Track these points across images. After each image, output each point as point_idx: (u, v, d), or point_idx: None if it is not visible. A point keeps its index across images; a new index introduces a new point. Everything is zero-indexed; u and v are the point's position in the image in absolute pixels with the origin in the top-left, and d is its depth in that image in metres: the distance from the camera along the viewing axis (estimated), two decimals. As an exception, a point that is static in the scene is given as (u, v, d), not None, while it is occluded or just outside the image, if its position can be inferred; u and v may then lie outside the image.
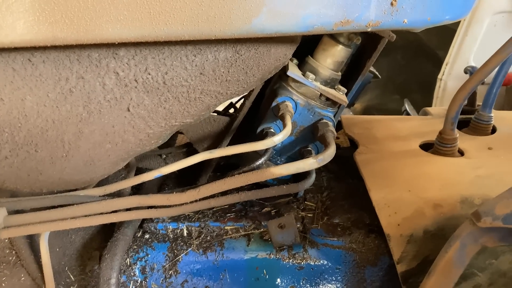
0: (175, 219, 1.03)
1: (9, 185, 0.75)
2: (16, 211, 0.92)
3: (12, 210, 0.90)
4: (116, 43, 0.63)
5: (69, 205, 0.92)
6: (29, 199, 0.91)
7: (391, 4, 0.66)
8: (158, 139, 0.79)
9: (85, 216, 0.91)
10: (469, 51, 2.28)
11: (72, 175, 0.77)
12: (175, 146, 1.38)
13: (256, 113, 1.13)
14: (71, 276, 0.99)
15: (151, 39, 0.62)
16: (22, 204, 0.91)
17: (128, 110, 0.71)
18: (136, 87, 0.69)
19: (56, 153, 0.72)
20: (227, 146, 1.09)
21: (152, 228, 1.02)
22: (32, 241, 0.98)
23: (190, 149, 1.32)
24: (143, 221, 1.03)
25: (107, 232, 1.02)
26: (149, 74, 0.69)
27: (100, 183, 0.97)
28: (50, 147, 0.71)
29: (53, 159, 0.73)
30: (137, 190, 1.13)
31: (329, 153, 0.85)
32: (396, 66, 2.96)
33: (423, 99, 2.61)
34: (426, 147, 1.19)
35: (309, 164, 0.84)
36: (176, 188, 1.14)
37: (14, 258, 0.98)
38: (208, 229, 1.01)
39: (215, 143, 1.16)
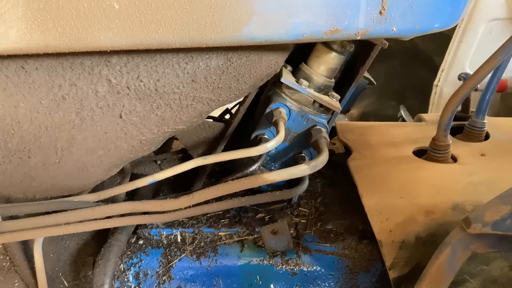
0: (169, 225, 1.03)
1: (2, 191, 0.75)
2: (10, 217, 0.92)
3: (6, 215, 0.91)
4: (108, 51, 0.64)
5: (64, 211, 0.92)
6: (23, 204, 0.91)
7: (380, 12, 0.67)
8: (150, 146, 0.79)
9: (79, 222, 0.91)
10: (465, 58, 2.30)
11: (65, 181, 0.78)
12: (171, 152, 1.38)
13: (251, 119, 1.13)
14: (65, 282, 1.00)
15: (143, 47, 0.63)
16: (16, 209, 0.91)
17: (121, 117, 0.72)
18: (128, 94, 0.70)
19: (49, 160, 0.73)
20: (221, 152, 1.10)
21: (146, 234, 1.02)
22: (26, 247, 0.98)
23: (185, 155, 1.32)
24: (137, 227, 1.04)
25: (101, 238, 1.03)
26: (141, 81, 0.70)
27: (95, 189, 0.97)
28: (43, 154, 0.72)
29: (46, 165, 0.73)
30: (132, 196, 1.14)
31: (322, 159, 0.86)
32: (393, 72, 2.98)
33: (419, 105, 2.62)
34: (420, 153, 1.19)
35: (301, 170, 0.84)
36: (171, 194, 1.15)
37: (8, 263, 0.99)
38: (202, 235, 1.01)
39: (210, 149, 1.16)
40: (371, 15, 0.67)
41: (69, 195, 0.94)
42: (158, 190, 1.22)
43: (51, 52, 0.61)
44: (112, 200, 1.01)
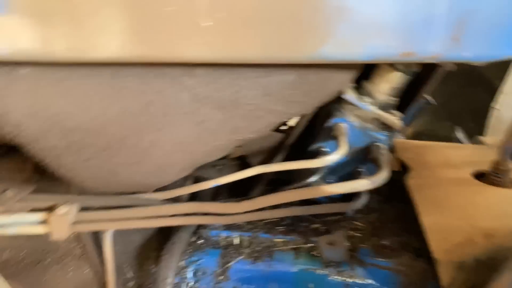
0: (228, 227, 1.08)
1: (88, 184, 0.83)
2: (84, 209, 1.00)
3: (82, 206, 0.98)
4: (195, 63, 0.70)
5: (132, 206, 1.00)
6: (98, 197, 0.99)
7: (454, 38, 0.69)
8: (222, 152, 0.85)
9: (147, 218, 0.98)
10: (527, 82, 2.23)
11: (143, 179, 0.85)
12: (228, 158, 1.44)
13: (308, 131, 1.17)
14: (129, 273, 1.06)
15: (226, 61, 0.68)
16: (92, 202, 0.99)
17: (199, 124, 0.77)
18: (208, 104, 0.76)
19: (132, 159, 0.80)
20: (281, 161, 1.14)
21: (206, 235, 1.07)
22: (96, 237, 1.06)
23: (243, 162, 1.37)
24: (198, 227, 1.09)
25: (164, 235, 1.09)
26: (221, 92, 0.75)
27: (160, 188, 1.04)
28: (127, 153, 0.79)
29: (128, 163, 0.80)
30: (192, 197, 1.20)
31: (383, 176, 0.88)
32: (449, 92, 2.91)
33: (475, 127, 2.56)
34: (479, 176, 1.18)
35: (362, 184, 0.87)
36: (227, 198, 1.20)
37: (79, 251, 1.07)
38: (259, 240, 1.05)
39: (268, 158, 1.21)
40: (445, 40, 0.69)
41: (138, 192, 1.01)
42: (215, 194, 1.27)
43: (144, 62, 0.68)
44: (175, 199, 1.08)
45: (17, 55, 0.64)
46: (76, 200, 0.99)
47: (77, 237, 1.05)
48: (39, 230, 0.94)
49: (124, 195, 1.01)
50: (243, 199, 0.96)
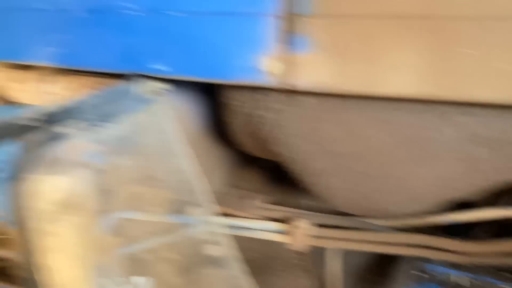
0: (454, 266, 1.06)
1: (341, 204, 0.91)
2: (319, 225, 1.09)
3: (317, 223, 1.07)
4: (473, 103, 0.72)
5: (359, 229, 1.05)
6: (328, 216, 1.08)
7: None
8: (481, 191, 0.84)
9: (375, 242, 1.02)
10: None
11: (392, 207, 0.89)
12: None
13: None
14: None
15: (499, 103, 0.69)
16: (322, 219, 1.08)
17: (463, 161, 0.79)
18: (475, 141, 0.77)
19: (387, 187, 0.85)
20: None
21: (429, 269, 1.07)
22: (318, 253, 1.14)
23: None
24: (421, 259, 1.09)
25: (382, 260, 1.12)
26: (490, 131, 0.75)
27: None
28: (384, 181, 0.84)
29: (383, 191, 0.85)
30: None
31: None
32: None
33: None
34: None
35: None
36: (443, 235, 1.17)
37: (300, 264, 1.16)
38: (485, 284, 1.01)
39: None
40: None
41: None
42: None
43: (430, 100, 0.72)
44: (397, 229, 1.09)
45: (316, 87, 0.75)
46: (308, 215, 1.09)
47: (307, 250, 1.14)
48: (279, 238, 1.06)
49: (352, 218, 1.07)
50: (481, 240, 0.94)
